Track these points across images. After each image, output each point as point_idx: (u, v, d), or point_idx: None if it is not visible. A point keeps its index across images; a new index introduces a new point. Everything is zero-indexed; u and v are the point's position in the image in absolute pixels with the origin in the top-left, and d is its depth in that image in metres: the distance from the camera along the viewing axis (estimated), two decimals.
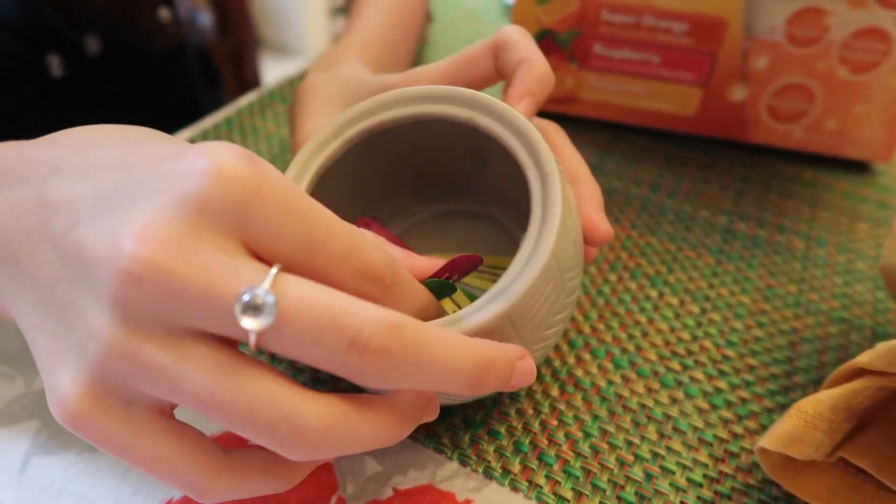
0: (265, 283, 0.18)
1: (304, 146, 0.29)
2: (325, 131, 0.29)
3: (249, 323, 0.17)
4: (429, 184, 0.35)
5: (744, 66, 0.45)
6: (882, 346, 0.24)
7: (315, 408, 0.18)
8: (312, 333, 0.18)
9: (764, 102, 0.47)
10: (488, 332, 0.23)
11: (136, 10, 0.57)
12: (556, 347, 0.34)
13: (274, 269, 0.18)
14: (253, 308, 0.17)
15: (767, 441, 0.26)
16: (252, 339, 0.18)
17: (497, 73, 0.31)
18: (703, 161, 0.49)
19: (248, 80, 0.91)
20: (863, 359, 0.25)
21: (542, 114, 0.53)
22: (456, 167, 0.34)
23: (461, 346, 0.20)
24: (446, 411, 0.31)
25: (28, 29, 0.50)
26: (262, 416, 0.18)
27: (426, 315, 0.23)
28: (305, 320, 0.18)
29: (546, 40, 0.47)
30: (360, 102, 0.29)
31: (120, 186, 0.19)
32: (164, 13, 0.61)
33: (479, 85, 0.32)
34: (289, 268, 0.19)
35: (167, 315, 0.18)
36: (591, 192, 0.29)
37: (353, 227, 0.20)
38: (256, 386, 0.18)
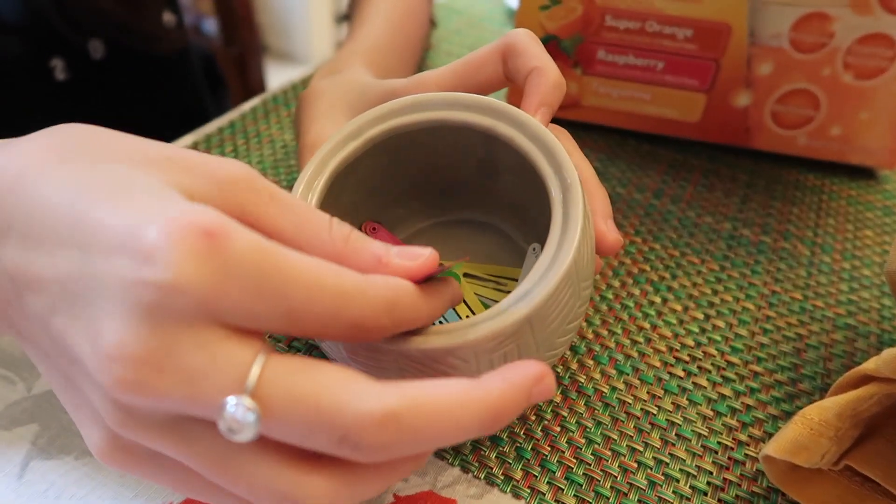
0: (246, 391, 0.17)
1: (324, 143, 0.28)
2: (345, 130, 0.28)
3: (235, 437, 0.17)
4: (435, 192, 0.35)
5: (748, 72, 0.45)
6: (889, 353, 0.24)
7: (313, 487, 0.18)
8: (301, 432, 0.18)
9: (768, 108, 0.47)
10: (507, 335, 0.23)
11: (141, 14, 0.57)
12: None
13: (255, 369, 0.17)
14: (235, 427, 0.17)
15: (773, 449, 0.26)
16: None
17: (506, 77, 0.31)
18: (707, 167, 0.49)
19: (254, 85, 0.91)
20: (869, 365, 0.24)
21: None
22: (464, 176, 0.34)
23: (468, 408, 0.18)
24: None
25: (33, 32, 0.50)
26: (263, 497, 0.18)
27: (441, 310, 0.22)
28: (292, 422, 0.17)
29: (550, 46, 0.47)
30: (380, 105, 0.29)
31: (79, 276, 0.18)
32: (168, 18, 0.61)
33: (487, 89, 0.31)
34: (276, 331, 0.19)
35: (162, 411, 0.18)
36: (599, 201, 0.29)
37: (339, 278, 0.19)
38: (254, 469, 0.18)
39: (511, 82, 0.31)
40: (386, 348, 0.23)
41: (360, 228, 0.34)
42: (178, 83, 0.65)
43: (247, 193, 0.20)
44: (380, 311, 0.19)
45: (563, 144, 0.30)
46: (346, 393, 0.17)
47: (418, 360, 0.23)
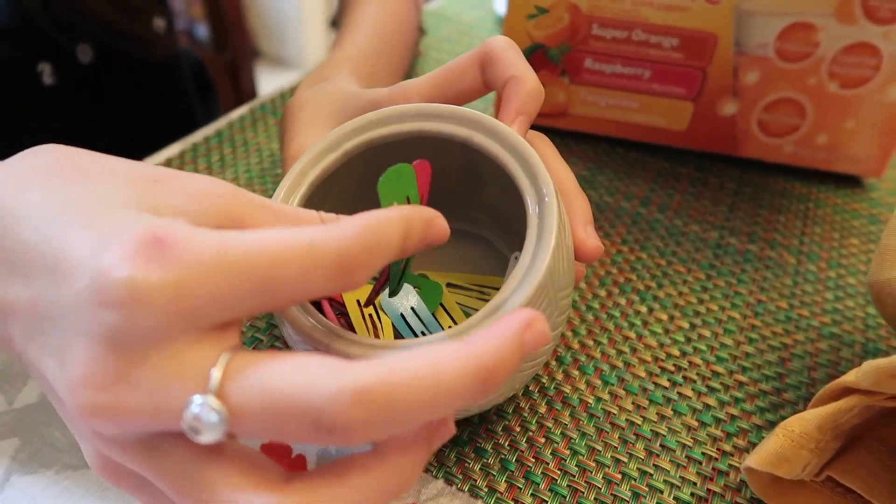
0: (209, 393, 0.17)
1: (301, 156, 0.28)
2: (323, 143, 0.28)
3: (203, 438, 0.17)
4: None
5: (734, 80, 0.45)
6: (868, 365, 0.24)
7: None
8: (273, 425, 0.17)
9: (755, 117, 0.47)
10: None
11: (131, 18, 0.57)
12: (545, 363, 0.34)
13: (217, 369, 0.17)
14: (197, 426, 0.17)
15: (754, 460, 0.26)
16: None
17: (484, 85, 0.31)
18: (695, 175, 0.49)
19: (245, 92, 0.91)
20: (849, 378, 0.25)
21: (534, 128, 0.53)
22: (448, 186, 0.34)
23: (451, 371, 0.17)
24: None
25: (21, 36, 0.50)
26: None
27: (413, 242, 0.21)
28: (262, 416, 0.17)
29: (537, 54, 0.47)
30: (359, 116, 0.29)
31: (47, 302, 0.18)
32: (159, 23, 0.61)
33: (467, 97, 0.31)
34: (263, 310, 0.18)
35: (133, 432, 0.18)
36: (579, 208, 0.29)
37: (302, 231, 0.18)
38: (222, 489, 0.18)
39: (490, 90, 0.31)
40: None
41: None
42: (168, 89, 0.65)
43: (235, 204, 0.20)
44: (359, 246, 0.18)
45: (542, 150, 0.30)
46: (313, 376, 0.17)
47: None
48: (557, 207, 0.25)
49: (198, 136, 0.48)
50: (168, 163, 0.45)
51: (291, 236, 0.18)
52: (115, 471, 0.20)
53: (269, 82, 2.18)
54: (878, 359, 0.24)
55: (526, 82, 0.28)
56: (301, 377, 0.17)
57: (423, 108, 0.28)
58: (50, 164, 0.21)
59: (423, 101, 0.31)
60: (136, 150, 0.59)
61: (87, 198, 0.19)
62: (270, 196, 0.43)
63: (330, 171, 0.29)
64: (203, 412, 0.17)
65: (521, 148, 0.26)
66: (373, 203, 0.34)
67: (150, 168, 0.21)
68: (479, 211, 0.35)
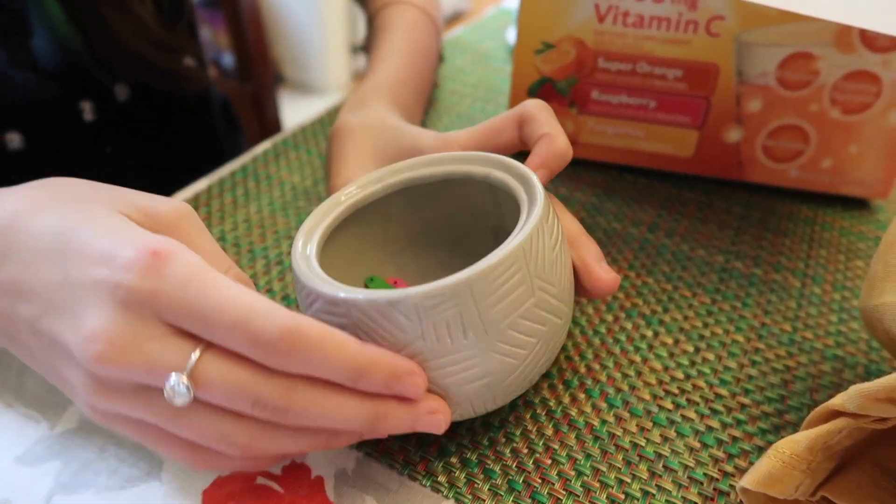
0: (185, 372, 0.24)
1: (345, 187, 0.34)
2: (369, 177, 0.34)
3: (174, 402, 0.24)
4: (453, 244, 0.39)
5: (738, 109, 0.47)
6: (854, 389, 0.25)
7: (237, 429, 0.25)
8: (226, 400, 0.25)
9: (759, 143, 0.48)
10: (447, 296, 0.26)
11: (167, 57, 0.60)
12: (552, 387, 0.35)
13: (193, 356, 0.24)
14: (171, 395, 0.24)
15: (748, 481, 0.27)
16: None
17: (520, 142, 0.35)
18: (702, 200, 0.50)
19: (269, 123, 0.94)
20: (836, 401, 0.26)
21: None
22: (475, 227, 0.38)
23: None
24: (443, 450, 0.32)
25: (67, 77, 0.53)
26: (207, 439, 0.25)
27: (359, 366, 0.25)
28: (217, 393, 0.24)
29: (545, 87, 0.49)
30: (401, 161, 0.35)
31: (62, 285, 0.25)
32: (189, 62, 0.64)
33: (504, 152, 0.35)
34: (203, 335, 0.24)
35: (128, 380, 0.25)
36: (591, 249, 0.32)
37: (247, 301, 0.24)
38: (199, 418, 0.25)
39: (526, 147, 0.34)
40: (340, 299, 0.27)
41: (367, 281, 0.36)
42: (198, 124, 0.68)
43: (182, 229, 0.28)
44: (273, 334, 0.24)
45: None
46: (254, 374, 0.25)
47: (365, 311, 0.26)
48: (545, 202, 0.29)
49: (224, 170, 0.51)
50: (196, 197, 0.48)
51: (240, 296, 0.24)
52: (104, 416, 0.26)
53: (292, 108, 2.23)
54: (864, 383, 0.25)
55: (556, 142, 0.32)
56: (246, 374, 0.24)
57: (457, 155, 0.34)
58: (57, 191, 0.27)
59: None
60: (169, 182, 0.62)
61: (87, 213, 0.26)
62: (295, 227, 0.45)
63: (369, 201, 0.34)
64: (178, 387, 0.24)
65: (525, 174, 0.31)
66: (399, 242, 0.38)
67: (133, 194, 0.28)
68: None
